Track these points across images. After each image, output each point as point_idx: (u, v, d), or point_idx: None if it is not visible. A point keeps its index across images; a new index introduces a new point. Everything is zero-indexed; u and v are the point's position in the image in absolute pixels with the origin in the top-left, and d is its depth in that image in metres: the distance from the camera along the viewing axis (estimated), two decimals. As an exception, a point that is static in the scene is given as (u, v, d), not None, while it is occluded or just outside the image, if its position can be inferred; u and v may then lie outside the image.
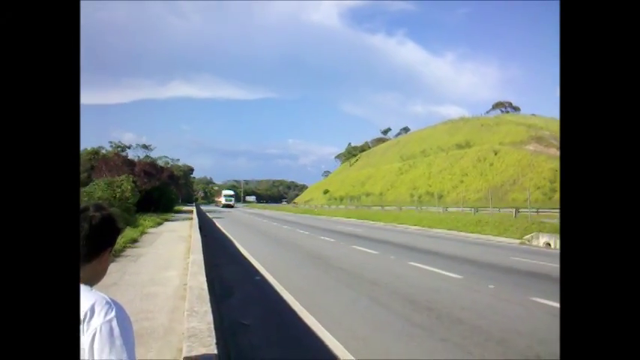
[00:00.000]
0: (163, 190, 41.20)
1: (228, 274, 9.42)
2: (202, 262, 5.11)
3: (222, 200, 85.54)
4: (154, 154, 66.95)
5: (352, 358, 3.34)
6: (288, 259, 12.30)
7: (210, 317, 2.72)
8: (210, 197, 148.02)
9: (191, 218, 26.46)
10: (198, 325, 2.60)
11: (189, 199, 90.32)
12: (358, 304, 6.76)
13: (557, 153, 46.77)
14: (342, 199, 70.06)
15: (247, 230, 23.56)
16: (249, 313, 6.18)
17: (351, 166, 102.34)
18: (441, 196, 46.08)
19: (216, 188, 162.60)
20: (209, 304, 3.02)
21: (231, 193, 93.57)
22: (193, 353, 2.22)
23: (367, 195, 65.37)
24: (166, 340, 3.82)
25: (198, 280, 3.87)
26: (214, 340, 2.32)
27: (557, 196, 35.65)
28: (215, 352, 2.22)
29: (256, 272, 9.52)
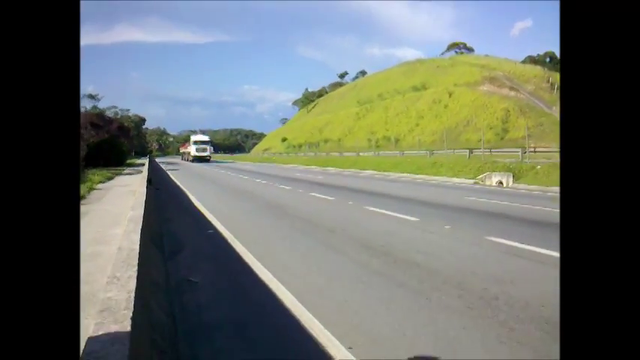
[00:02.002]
0: (113, 143, 39.39)
1: (179, 229, 8.98)
2: (141, 217, 4.64)
3: (192, 150, 58.40)
4: (101, 105, 63.76)
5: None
6: (243, 209, 11.94)
7: (132, 285, 2.32)
8: (165, 149, 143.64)
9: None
10: (116, 296, 2.20)
11: (142, 152, 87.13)
12: (314, 252, 6.55)
13: (510, 93, 47.81)
14: (300, 147, 69.63)
15: (202, 182, 22.88)
16: (198, 269, 5.83)
17: (308, 112, 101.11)
18: (397, 140, 46.48)
19: (170, 139, 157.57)
20: (136, 269, 2.61)
21: (206, 138, 62.00)
22: (101, 332, 1.83)
23: (326, 141, 65.14)
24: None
25: (131, 239, 3.44)
26: (130, 314, 1.94)
27: (509, 135, 36.72)
28: (128, 329, 1.84)
29: (209, 225, 9.12)
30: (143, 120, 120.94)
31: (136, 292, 2.23)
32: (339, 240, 7.30)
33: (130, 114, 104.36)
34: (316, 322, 3.83)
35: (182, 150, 73.65)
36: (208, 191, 17.10)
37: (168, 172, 30.68)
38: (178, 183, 21.05)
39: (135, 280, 2.43)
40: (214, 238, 7.79)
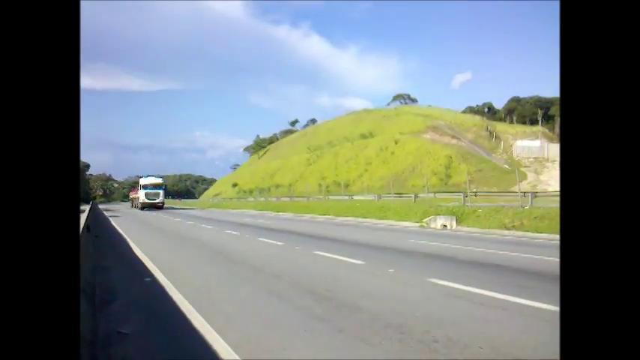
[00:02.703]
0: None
1: (114, 277, 8.45)
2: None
3: (141, 196, 48.97)
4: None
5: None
6: (185, 256, 11.48)
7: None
8: (110, 195, 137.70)
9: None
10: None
11: (86, 199, 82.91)
12: (256, 300, 6.33)
13: (452, 141, 50.30)
14: (251, 192, 69.01)
15: (145, 228, 21.96)
16: (130, 319, 5.45)
17: (259, 158, 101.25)
18: (347, 185, 47.21)
19: (116, 185, 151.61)
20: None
21: (158, 181, 51.09)
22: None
23: (277, 187, 65.07)
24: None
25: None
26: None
27: (452, 180, 38.27)
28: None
29: (147, 273, 8.65)
30: (87, 166, 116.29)
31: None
32: (283, 286, 7.11)
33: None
34: (251, 373, 3.64)
35: (131, 196, 60.89)
36: (150, 237, 16.38)
37: (110, 219, 29.25)
38: (120, 230, 20.06)
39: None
40: (151, 287, 7.37)
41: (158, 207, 48.02)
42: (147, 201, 48.16)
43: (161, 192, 49.41)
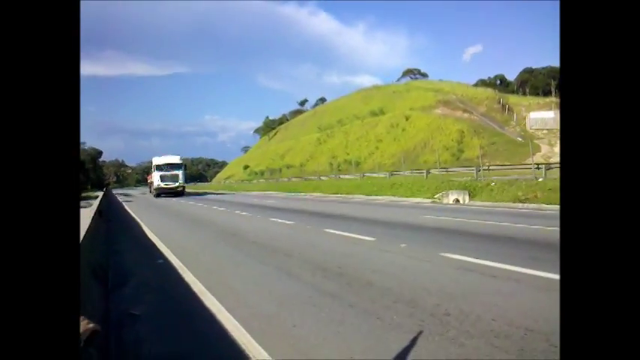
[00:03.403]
0: (65, 177, 37.90)
1: (126, 260, 8.54)
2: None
3: (155, 181, 38.70)
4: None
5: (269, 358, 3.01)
6: (198, 237, 11.56)
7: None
8: (123, 181, 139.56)
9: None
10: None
11: (99, 185, 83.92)
12: (267, 278, 6.33)
13: (463, 115, 49.55)
14: (262, 173, 69.23)
15: (158, 211, 22.16)
16: (142, 301, 5.50)
17: (270, 139, 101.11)
18: (358, 163, 46.98)
19: (129, 171, 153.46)
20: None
21: (175, 160, 39.58)
22: None
23: (288, 167, 65.05)
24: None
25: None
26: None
27: (464, 155, 37.82)
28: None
29: (160, 255, 8.73)
30: (100, 153, 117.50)
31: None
32: (294, 264, 7.11)
33: (86, 147, 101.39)
34: (261, 350, 3.64)
35: (149, 180, 49.33)
36: (163, 220, 16.52)
37: (124, 204, 29.61)
38: (133, 214, 20.28)
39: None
40: (163, 269, 7.43)
41: (178, 193, 37.55)
42: (162, 185, 37.33)
43: (180, 173, 37.83)
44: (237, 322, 4.36)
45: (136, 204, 29.67)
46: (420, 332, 3.84)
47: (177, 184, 37.70)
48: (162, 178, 37.40)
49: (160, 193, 37.24)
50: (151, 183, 42.91)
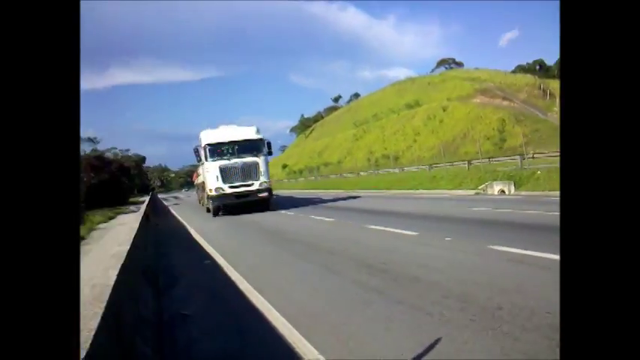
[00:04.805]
0: (114, 183, 39.62)
1: (175, 262, 8.81)
2: (124, 253, 4.50)
3: (212, 181, 17.46)
4: (101, 147, 64.02)
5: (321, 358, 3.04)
6: (241, 237, 11.76)
7: (94, 323, 2.16)
8: (167, 185, 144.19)
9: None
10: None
11: (145, 189, 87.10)
12: (312, 276, 6.35)
13: (503, 103, 48.03)
14: (301, 172, 69.61)
15: (201, 213, 22.70)
16: (192, 301, 5.65)
17: (306, 137, 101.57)
18: (396, 158, 46.44)
19: (172, 175, 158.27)
20: (103, 305, 2.46)
21: (248, 132, 18.22)
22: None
23: (326, 165, 65.13)
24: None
25: (108, 275, 3.29)
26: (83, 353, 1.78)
27: (507, 144, 36.64)
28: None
29: (207, 256, 8.94)
30: (143, 158, 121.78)
31: (98, 330, 2.06)
32: (337, 261, 7.10)
33: (130, 153, 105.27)
34: (312, 349, 3.64)
35: (196, 181, 28.69)
36: (206, 222, 16.86)
37: (170, 208, 30.60)
38: (179, 217, 20.89)
39: (99, 319, 2.26)
40: (210, 269, 7.60)
41: (259, 202, 18.39)
42: (224, 191, 17.75)
43: (260, 161, 18.24)
44: (285, 321, 4.38)
45: (182, 206, 30.53)
46: (472, 327, 3.73)
47: (255, 183, 17.88)
48: (223, 175, 17.61)
49: (220, 205, 18.14)
50: (200, 186, 23.71)
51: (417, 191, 23.01)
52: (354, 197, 23.50)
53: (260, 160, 17.91)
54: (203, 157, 17.80)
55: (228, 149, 17.76)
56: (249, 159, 17.73)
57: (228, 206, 17.92)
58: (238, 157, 17.65)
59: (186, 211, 25.17)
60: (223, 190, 17.41)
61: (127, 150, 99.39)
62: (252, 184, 17.68)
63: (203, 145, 17.77)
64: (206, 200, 19.77)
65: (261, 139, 18.33)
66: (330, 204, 20.28)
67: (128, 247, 4.92)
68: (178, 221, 18.86)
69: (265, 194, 18.03)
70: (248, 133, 18.38)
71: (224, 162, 17.56)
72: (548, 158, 22.00)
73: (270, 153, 18.88)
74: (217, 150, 17.71)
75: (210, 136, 18.05)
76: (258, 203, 18.10)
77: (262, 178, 17.87)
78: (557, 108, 44.04)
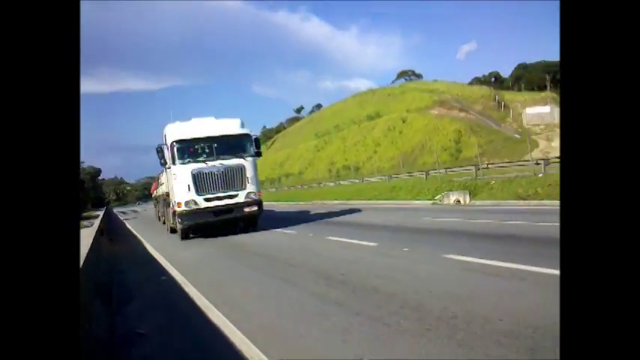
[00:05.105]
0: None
1: (130, 279, 8.51)
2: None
3: (180, 193, 12.71)
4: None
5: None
6: (197, 252, 11.50)
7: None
8: (123, 198, 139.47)
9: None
10: None
11: (100, 203, 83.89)
12: (270, 289, 6.30)
13: (460, 114, 49.65)
14: (262, 183, 69.13)
15: (158, 228, 22.07)
16: (147, 319, 5.47)
17: (268, 148, 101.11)
18: (357, 168, 47.02)
19: (128, 188, 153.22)
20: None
21: (234, 129, 13.64)
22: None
23: (287, 176, 65.04)
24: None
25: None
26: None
27: (462, 155, 37.85)
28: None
29: (163, 272, 8.69)
30: (98, 171, 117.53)
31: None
32: (297, 274, 7.08)
33: (85, 166, 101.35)
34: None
35: (155, 194, 26.45)
36: (163, 237, 16.40)
37: (125, 222, 29.60)
38: (134, 232, 20.23)
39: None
40: (167, 285, 7.39)
41: (246, 219, 14.00)
42: (196, 206, 12.87)
43: (248, 164, 13.46)
44: (242, 335, 4.31)
45: (137, 220, 29.61)
46: (428, 336, 3.80)
47: (241, 194, 13.44)
48: (197, 183, 13.00)
49: (192, 225, 13.53)
50: (162, 199, 19.94)
51: (377, 201, 23.33)
52: (315, 208, 23.54)
53: (247, 162, 13.37)
54: (169, 160, 12.97)
55: (203, 148, 13.18)
56: (233, 161, 13.16)
57: (202, 226, 13.48)
58: (217, 159, 13.04)
59: (141, 225, 24.40)
60: (197, 204, 12.75)
61: (82, 162, 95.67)
62: (237, 194, 13.16)
63: (169, 143, 12.98)
64: (171, 218, 14.89)
65: (247, 135, 13.83)
66: (291, 216, 20.22)
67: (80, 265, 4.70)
68: (133, 235, 18.26)
69: (254, 208, 13.48)
70: (230, 126, 13.76)
71: (198, 165, 12.87)
72: (502, 168, 22.89)
73: (259, 154, 14.06)
74: (189, 149, 13.07)
75: (178, 130, 13.29)
76: (246, 219, 13.93)
77: (250, 187, 13.36)
78: (510, 119, 45.98)
